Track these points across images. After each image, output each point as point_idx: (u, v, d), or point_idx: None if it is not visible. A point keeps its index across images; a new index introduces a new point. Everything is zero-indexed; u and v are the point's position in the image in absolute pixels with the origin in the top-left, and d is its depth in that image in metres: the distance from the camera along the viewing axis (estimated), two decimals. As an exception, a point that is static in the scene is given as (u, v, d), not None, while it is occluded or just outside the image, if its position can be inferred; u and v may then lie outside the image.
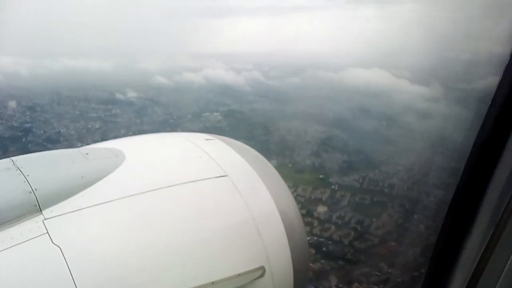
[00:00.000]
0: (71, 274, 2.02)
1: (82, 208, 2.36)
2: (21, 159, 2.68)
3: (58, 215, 2.29)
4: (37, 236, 2.13)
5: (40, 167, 2.67)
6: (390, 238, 33.79)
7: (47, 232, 2.16)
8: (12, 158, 2.67)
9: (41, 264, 2.08)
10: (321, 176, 49.66)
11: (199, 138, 3.50)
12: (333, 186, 46.23)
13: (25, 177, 2.42)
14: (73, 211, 2.32)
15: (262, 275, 2.60)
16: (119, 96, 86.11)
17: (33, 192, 2.32)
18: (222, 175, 2.90)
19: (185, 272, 2.42)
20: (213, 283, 2.37)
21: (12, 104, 69.24)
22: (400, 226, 35.40)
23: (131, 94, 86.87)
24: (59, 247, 2.10)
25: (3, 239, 2.09)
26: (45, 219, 2.25)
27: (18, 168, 2.50)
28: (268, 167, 3.51)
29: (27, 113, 68.24)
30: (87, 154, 2.85)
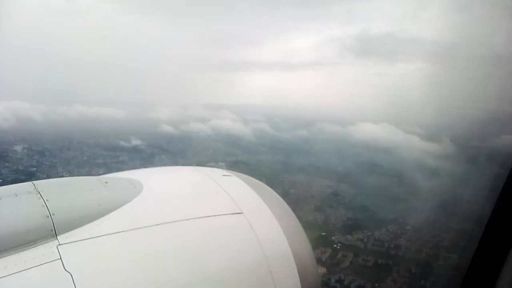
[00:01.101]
0: None
1: (97, 236, 2.32)
2: (42, 184, 2.68)
3: (73, 242, 2.25)
4: (50, 262, 2.10)
5: (60, 192, 2.66)
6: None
7: (60, 258, 2.12)
8: (34, 182, 2.68)
9: None
10: (323, 233, 46.96)
11: (217, 174, 3.49)
12: (335, 245, 43.51)
13: (44, 202, 2.40)
14: (87, 239, 2.30)
15: None
16: (125, 143, 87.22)
17: (51, 217, 2.30)
18: (237, 212, 2.89)
19: None
20: None
21: (22, 148, 70.82)
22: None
23: (137, 142, 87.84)
24: (71, 274, 2.06)
25: (17, 262, 2.06)
26: (60, 244, 2.21)
27: (39, 192, 2.50)
28: (284, 207, 3.45)
29: (35, 157, 69.07)
30: (106, 182, 2.87)
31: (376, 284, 33.72)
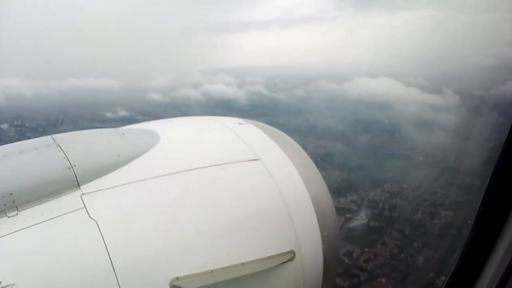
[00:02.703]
0: (106, 248, 2.08)
1: (118, 185, 2.40)
2: (61, 137, 2.72)
3: (95, 191, 2.34)
4: (75, 210, 2.19)
5: (79, 144, 2.70)
6: (381, 273, 29.42)
7: (85, 207, 2.22)
8: (53, 135, 2.71)
9: (78, 237, 2.13)
10: (315, 198, 45.04)
11: (233, 122, 3.46)
12: (326, 210, 41.63)
13: (64, 154, 2.46)
14: (109, 188, 2.37)
15: (291, 259, 2.64)
16: (112, 115, 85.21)
17: (72, 168, 2.37)
18: (254, 158, 2.89)
19: (215, 253, 2.42)
20: (243, 264, 2.43)
21: (15, 125, 69.18)
22: (394, 258, 30.90)
23: (124, 113, 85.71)
24: (96, 222, 2.15)
25: (43, 212, 2.16)
26: (83, 194, 2.30)
27: (58, 145, 2.55)
28: (301, 153, 3.39)
29: (28, 134, 67.56)
30: (123, 134, 2.89)
31: (366, 249, 31.95)
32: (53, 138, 2.67)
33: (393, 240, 33.22)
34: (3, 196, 2.16)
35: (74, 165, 2.39)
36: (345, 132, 68.70)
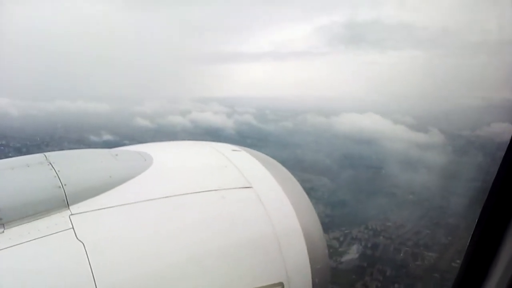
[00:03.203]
0: (91, 270, 2.05)
1: (108, 207, 2.38)
2: (54, 155, 2.69)
3: (84, 212, 2.31)
4: (63, 231, 2.16)
5: (71, 164, 2.66)
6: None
7: (73, 228, 2.19)
8: (45, 153, 2.69)
9: (64, 258, 2.11)
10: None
11: (226, 148, 3.44)
12: (307, 246, 40.57)
13: (56, 172, 2.43)
14: (99, 209, 2.34)
15: None
16: (106, 137, 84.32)
17: (63, 187, 2.35)
18: (246, 186, 2.88)
19: (201, 280, 2.41)
20: None
21: None
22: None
23: (108, 137, 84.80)
24: (83, 243, 2.12)
25: (30, 230, 2.12)
26: (72, 214, 2.27)
27: (50, 163, 2.52)
28: (294, 183, 3.36)
29: (10, 154, 65.92)
30: (116, 155, 2.88)
31: (344, 290, 30.87)
32: (45, 156, 2.64)
33: (374, 281, 32.28)
34: None
35: (65, 185, 2.36)
36: (330, 166, 68.50)
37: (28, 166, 2.51)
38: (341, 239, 41.10)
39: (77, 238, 2.13)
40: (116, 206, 2.39)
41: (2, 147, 69.50)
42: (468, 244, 2.47)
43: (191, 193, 2.65)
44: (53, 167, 2.49)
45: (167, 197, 2.55)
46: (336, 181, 61.18)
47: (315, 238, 3.01)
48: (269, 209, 2.77)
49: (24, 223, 2.16)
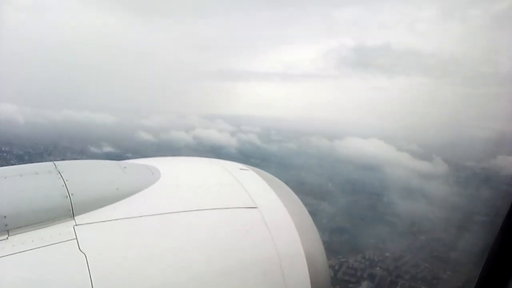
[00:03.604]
0: (91, 283, 2.04)
1: (113, 220, 2.37)
2: (63, 164, 2.69)
3: (89, 223, 2.30)
4: (66, 241, 2.15)
5: (80, 174, 2.66)
6: None
7: (76, 238, 2.18)
8: (55, 162, 2.70)
9: (65, 269, 2.09)
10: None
11: (234, 167, 3.42)
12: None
13: (64, 182, 2.44)
14: (103, 221, 2.34)
15: None
16: (107, 149, 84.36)
17: (69, 197, 2.36)
18: (252, 206, 2.87)
19: None
20: None
21: (1, 150, 67.85)
22: None
23: (109, 149, 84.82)
24: (85, 255, 2.11)
25: (34, 239, 2.12)
26: (76, 225, 2.27)
27: (59, 172, 2.53)
28: (299, 205, 3.32)
29: (12, 162, 66.05)
30: (125, 167, 2.88)
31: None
32: (55, 165, 2.64)
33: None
34: None
35: (72, 194, 2.36)
36: (331, 191, 67.63)
37: (37, 174, 2.50)
38: (337, 267, 39.98)
39: (79, 249, 2.12)
40: (121, 219, 2.39)
41: (5, 154, 69.98)
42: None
43: (196, 210, 2.64)
44: (61, 176, 2.48)
45: (172, 212, 2.56)
46: (336, 206, 60.24)
47: (318, 263, 2.96)
48: (273, 231, 2.75)
49: (28, 231, 2.16)
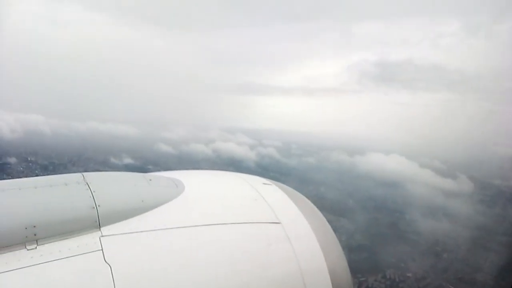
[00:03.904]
0: None
1: (138, 232, 2.40)
2: (91, 175, 2.74)
3: (115, 234, 2.33)
4: (92, 252, 2.18)
5: (107, 185, 2.69)
6: None
7: (102, 249, 2.20)
8: (84, 173, 2.75)
9: (90, 280, 2.11)
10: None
11: (257, 182, 3.42)
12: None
13: (91, 193, 2.48)
14: (129, 233, 2.37)
15: None
16: (127, 161, 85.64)
17: (96, 208, 2.38)
18: (275, 221, 2.86)
19: None
20: None
21: (28, 160, 70.14)
22: None
23: (128, 160, 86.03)
24: (110, 266, 2.13)
25: (61, 249, 2.16)
26: (102, 236, 2.29)
27: (87, 183, 2.57)
28: (322, 221, 3.28)
29: (37, 171, 67.89)
30: (150, 180, 2.92)
31: None
32: (83, 176, 2.68)
33: None
34: (26, 228, 2.15)
35: (99, 205, 2.39)
36: (351, 207, 66.28)
37: (66, 185, 2.53)
38: (356, 287, 38.81)
39: (105, 260, 2.14)
40: (146, 231, 2.41)
41: (31, 164, 72.04)
42: None
43: (219, 224, 2.65)
44: (89, 187, 2.51)
45: (195, 226, 2.58)
46: (356, 223, 58.91)
47: (342, 279, 2.93)
48: (296, 247, 2.73)
49: (56, 241, 2.19)
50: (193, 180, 3.22)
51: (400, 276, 42.48)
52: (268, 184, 3.42)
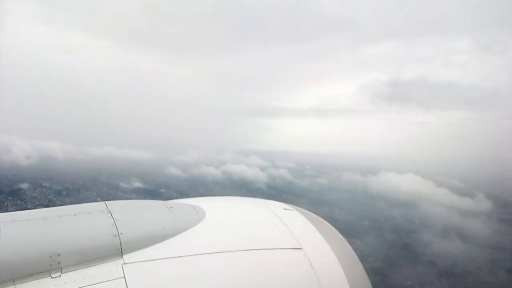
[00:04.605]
0: None
1: (160, 259, 2.43)
2: (113, 204, 2.80)
3: (137, 262, 2.37)
4: (115, 279, 2.22)
5: (129, 213, 2.74)
6: None
7: (124, 277, 2.24)
8: (106, 202, 2.81)
9: None
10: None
11: (278, 207, 3.43)
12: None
13: (114, 221, 2.53)
14: (151, 260, 2.40)
15: None
16: (136, 185, 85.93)
17: (119, 236, 2.43)
18: (297, 247, 2.84)
19: None
20: None
21: (42, 185, 71.09)
22: None
23: (138, 184, 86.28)
24: None
25: (85, 277, 2.20)
26: (125, 263, 2.33)
27: (110, 212, 2.63)
28: (346, 247, 3.27)
29: (50, 196, 68.61)
30: (171, 207, 2.96)
31: None
32: (106, 204, 2.74)
33: None
34: (50, 256, 2.19)
35: (121, 233, 2.42)
36: (364, 228, 64.44)
37: (90, 214, 2.61)
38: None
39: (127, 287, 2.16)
40: (167, 258, 2.42)
41: (45, 189, 72.76)
42: None
43: (240, 250, 2.64)
44: (112, 216, 2.57)
45: (217, 252, 2.56)
46: (370, 244, 57.02)
47: None
48: (319, 273, 2.69)
49: (80, 269, 2.22)
50: (213, 207, 3.24)
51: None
52: (289, 209, 3.40)
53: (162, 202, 3.12)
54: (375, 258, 53.23)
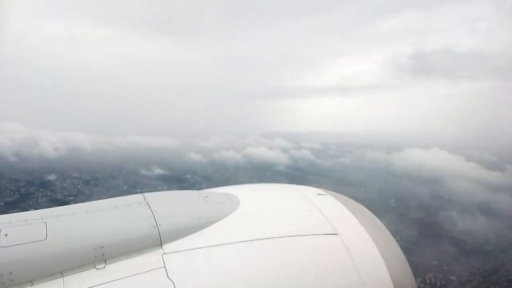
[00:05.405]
0: None
1: (197, 248, 2.48)
2: (151, 196, 2.87)
3: (176, 251, 2.43)
4: (156, 269, 2.29)
5: (166, 204, 2.82)
6: None
7: (164, 266, 2.30)
8: (144, 194, 2.88)
9: None
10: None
11: (312, 192, 3.40)
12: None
13: (152, 212, 2.60)
14: (189, 250, 2.46)
15: None
16: (160, 171, 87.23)
17: (157, 227, 2.50)
18: (332, 232, 2.82)
19: None
20: None
21: (72, 176, 73.53)
22: None
23: (162, 171, 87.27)
24: (173, 282, 2.22)
25: (127, 267, 2.28)
26: (164, 253, 2.40)
27: (148, 204, 2.70)
28: (383, 230, 3.18)
29: (79, 186, 70.81)
30: (206, 197, 3.01)
31: None
32: (144, 197, 2.80)
33: None
34: (94, 249, 2.28)
35: (159, 224, 2.49)
36: (389, 206, 62.97)
37: (129, 206, 2.67)
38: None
39: (168, 277, 2.22)
40: (204, 247, 2.47)
41: (75, 180, 74.99)
42: None
43: (275, 237, 2.64)
44: (150, 207, 2.63)
45: (252, 240, 2.59)
46: (395, 223, 55.74)
47: None
48: (356, 258, 2.64)
49: (122, 260, 2.30)
50: (247, 195, 3.24)
51: (442, 279, 39.35)
52: (323, 194, 3.36)
53: (197, 192, 3.15)
54: (399, 237, 51.94)
